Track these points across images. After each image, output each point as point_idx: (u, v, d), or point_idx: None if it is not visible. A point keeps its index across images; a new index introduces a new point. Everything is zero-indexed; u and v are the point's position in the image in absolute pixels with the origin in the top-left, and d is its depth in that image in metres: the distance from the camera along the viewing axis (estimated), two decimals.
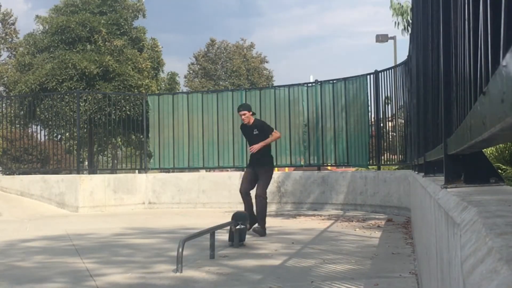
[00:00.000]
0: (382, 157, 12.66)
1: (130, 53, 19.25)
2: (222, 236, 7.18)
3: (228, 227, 7.00)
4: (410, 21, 10.62)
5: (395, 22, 13.38)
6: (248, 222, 7.25)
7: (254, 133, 8.37)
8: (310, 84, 13.76)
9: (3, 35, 37.24)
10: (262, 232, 7.97)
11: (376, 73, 12.47)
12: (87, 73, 18.07)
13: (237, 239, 6.90)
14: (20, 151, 17.10)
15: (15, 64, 21.69)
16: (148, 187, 14.40)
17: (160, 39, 22.92)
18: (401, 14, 13.21)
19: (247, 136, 8.62)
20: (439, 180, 2.69)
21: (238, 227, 6.88)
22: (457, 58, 1.87)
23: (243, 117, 8.37)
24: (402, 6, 13.29)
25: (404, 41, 58.13)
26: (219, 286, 4.73)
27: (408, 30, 12.60)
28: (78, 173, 14.48)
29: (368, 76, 12.61)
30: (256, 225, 8.03)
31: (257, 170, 8.29)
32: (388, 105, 12.40)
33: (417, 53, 5.61)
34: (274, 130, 8.81)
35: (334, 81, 13.31)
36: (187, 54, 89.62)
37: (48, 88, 17.77)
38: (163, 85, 22.53)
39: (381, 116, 12.57)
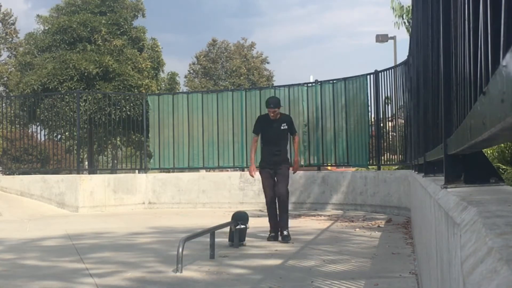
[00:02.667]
0: (382, 157, 12.65)
1: (130, 53, 19.26)
2: (222, 236, 7.17)
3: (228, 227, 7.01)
4: (410, 21, 10.62)
5: (395, 22, 13.37)
6: (248, 222, 7.21)
7: (282, 127, 7.63)
8: (310, 84, 13.76)
9: (3, 35, 37.24)
10: (289, 237, 7.40)
11: (376, 73, 12.47)
12: (86, 74, 18.09)
13: (237, 239, 6.90)
14: (20, 151, 17.09)
15: (15, 64, 21.70)
16: (148, 187, 14.40)
17: (160, 39, 22.94)
18: (401, 15, 13.20)
19: (270, 129, 7.64)
20: (439, 180, 2.69)
21: (238, 227, 6.88)
22: (457, 58, 1.87)
23: (272, 114, 7.57)
24: (403, 6, 13.29)
25: (404, 41, 58.08)
26: (219, 286, 4.73)
27: (409, 30, 12.59)
28: (78, 173, 14.47)
29: (368, 76, 12.61)
30: (285, 232, 7.39)
31: (277, 169, 7.57)
32: (388, 105, 12.40)
33: (417, 53, 5.61)
34: (297, 133, 8.15)
35: (334, 81, 13.31)
36: (187, 54, 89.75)
37: (50, 88, 17.79)
38: (163, 85, 22.55)
39: (381, 116, 12.56)
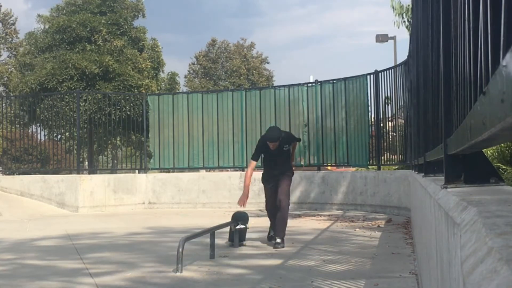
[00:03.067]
0: (382, 157, 12.65)
1: (130, 53, 19.25)
2: (222, 236, 7.17)
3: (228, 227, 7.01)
4: (411, 21, 10.62)
5: (395, 21, 13.37)
6: (248, 222, 7.20)
7: (285, 148, 7.35)
8: (310, 84, 13.76)
9: (3, 35, 37.23)
10: (283, 244, 7.02)
11: (376, 73, 12.47)
12: (87, 73, 18.08)
13: (237, 239, 6.90)
14: (20, 151, 17.10)
15: (15, 64, 21.69)
16: (148, 187, 14.40)
17: (160, 39, 22.95)
18: (401, 14, 13.20)
19: (272, 153, 7.32)
20: (439, 180, 2.69)
21: (238, 227, 6.88)
22: (457, 58, 1.87)
23: (272, 145, 7.18)
24: (403, 5, 13.29)
25: (404, 41, 58.12)
26: (219, 286, 4.73)
27: (409, 29, 12.59)
28: (78, 173, 14.47)
29: (368, 76, 12.61)
30: (278, 240, 6.97)
31: (279, 180, 7.35)
32: (388, 105, 12.39)
33: (417, 53, 5.61)
34: (298, 140, 8.04)
35: (334, 81, 13.31)
36: (187, 54, 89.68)
37: (49, 87, 17.78)
38: (163, 85, 22.54)
39: (381, 116, 12.56)
